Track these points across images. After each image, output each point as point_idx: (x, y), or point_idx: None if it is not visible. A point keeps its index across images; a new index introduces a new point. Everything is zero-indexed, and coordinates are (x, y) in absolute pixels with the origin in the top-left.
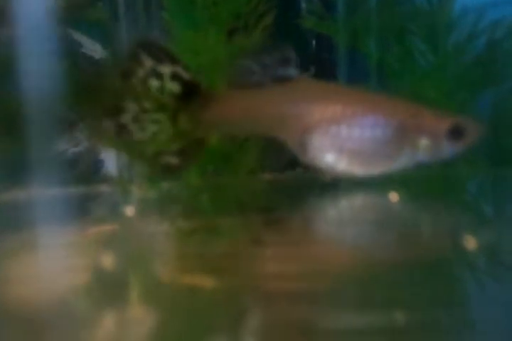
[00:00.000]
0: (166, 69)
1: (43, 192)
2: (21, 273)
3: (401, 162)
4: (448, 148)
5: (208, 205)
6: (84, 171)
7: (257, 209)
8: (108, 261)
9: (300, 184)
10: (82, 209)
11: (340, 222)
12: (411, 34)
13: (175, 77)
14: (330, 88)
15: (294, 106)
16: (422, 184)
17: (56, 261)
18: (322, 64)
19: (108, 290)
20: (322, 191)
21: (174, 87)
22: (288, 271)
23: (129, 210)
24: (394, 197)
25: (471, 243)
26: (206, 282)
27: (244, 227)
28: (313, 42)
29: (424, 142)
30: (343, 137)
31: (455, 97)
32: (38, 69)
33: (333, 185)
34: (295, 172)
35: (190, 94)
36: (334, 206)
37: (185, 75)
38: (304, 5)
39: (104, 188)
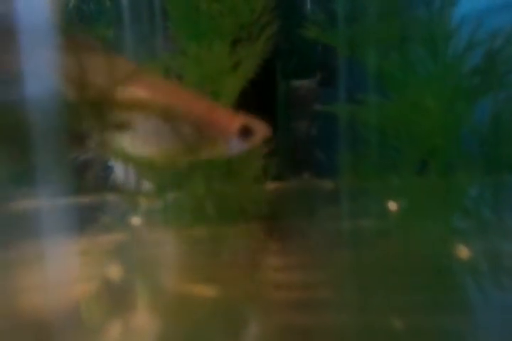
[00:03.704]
0: None
1: (50, 202)
2: (30, 282)
3: (196, 155)
4: (238, 145)
5: (213, 214)
6: (92, 179)
7: (261, 218)
8: (115, 270)
9: (305, 192)
10: (88, 219)
11: (342, 231)
12: (410, 43)
13: None
14: (141, 74)
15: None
16: (422, 191)
17: (63, 270)
18: (328, 70)
19: (115, 299)
20: (326, 199)
21: None
22: (292, 279)
23: (136, 220)
24: (393, 205)
25: (470, 250)
26: (212, 291)
27: (248, 236)
28: (319, 48)
29: (216, 139)
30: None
31: (454, 106)
32: (43, 76)
33: (336, 192)
34: (300, 180)
35: None
36: (338, 214)
37: None
38: (308, 14)
39: (111, 197)
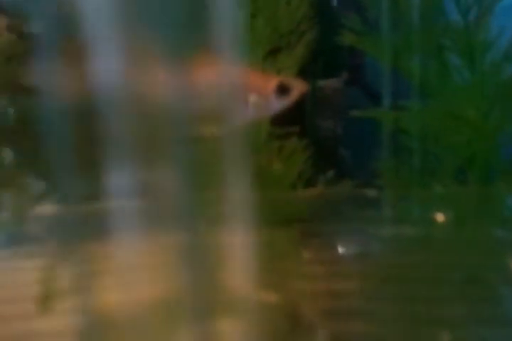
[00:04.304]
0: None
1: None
2: None
3: (237, 118)
4: (277, 103)
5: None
6: None
7: (300, 223)
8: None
9: (343, 198)
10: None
11: (381, 237)
12: (448, 51)
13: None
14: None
15: None
16: (461, 200)
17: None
18: (354, 70)
19: (182, 302)
20: (366, 205)
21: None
22: (329, 288)
23: None
24: (440, 216)
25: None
26: (268, 297)
27: (287, 242)
28: (346, 47)
29: (254, 99)
30: None
31: (492, 115)
32: None
33: (375, 199)
34: (330, 182)
35: None
36: (377, 220)
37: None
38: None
39: None
